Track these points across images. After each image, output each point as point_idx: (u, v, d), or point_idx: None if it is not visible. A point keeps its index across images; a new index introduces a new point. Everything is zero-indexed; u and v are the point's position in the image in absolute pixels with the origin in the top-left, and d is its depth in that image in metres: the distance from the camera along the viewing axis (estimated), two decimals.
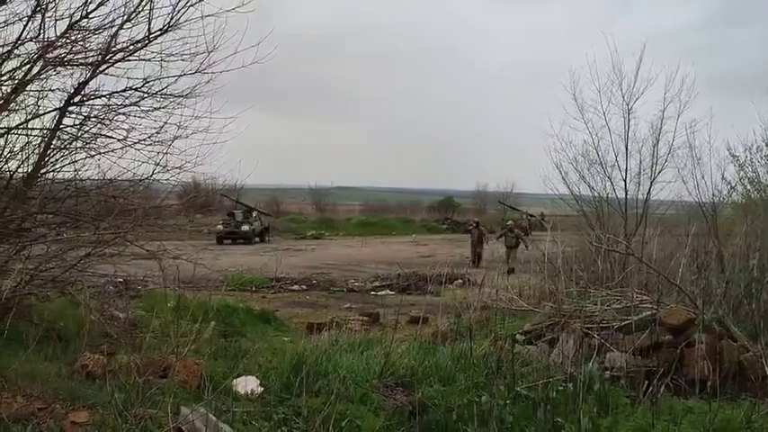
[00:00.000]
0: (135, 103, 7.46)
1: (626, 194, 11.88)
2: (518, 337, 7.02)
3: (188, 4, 7.13)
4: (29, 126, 7.14)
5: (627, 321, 6.61)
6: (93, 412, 4.40)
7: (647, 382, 5.72)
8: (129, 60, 7.36)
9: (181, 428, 3.98)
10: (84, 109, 7.45)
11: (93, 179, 7.65)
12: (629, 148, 11.85)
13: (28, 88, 7.03)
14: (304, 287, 17.02)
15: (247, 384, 5.57)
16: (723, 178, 11.32)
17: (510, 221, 26.74)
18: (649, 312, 6.67)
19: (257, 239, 34.75)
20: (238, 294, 14.08)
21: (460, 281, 14.79)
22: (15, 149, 7.14)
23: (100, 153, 7.53)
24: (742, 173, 12.41)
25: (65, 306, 7.66)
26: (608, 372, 5.98)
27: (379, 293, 16.14)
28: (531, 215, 40.38)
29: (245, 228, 34.38)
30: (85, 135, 7.50)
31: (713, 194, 10.95)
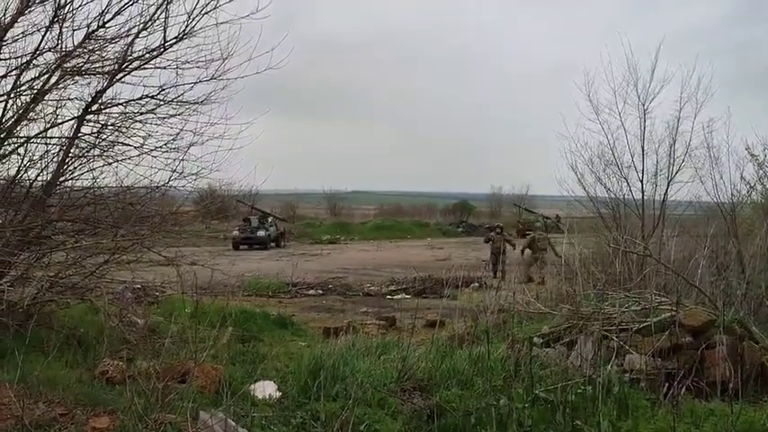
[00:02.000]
0: (151, 111, 7.55)
1: (643, 195, 11.78)
2: (536, 339, 6.98)
3: (203, 12, 7.21)
4: (48, 135, 7.26)
5: (646, 323, 6.55)
6: (114, 417, 4.44)
7: (667, 384, 5.66)
8: (145, 68, 7.46)
9: None
10: (101, 117, 7.56)
11: (111, 186, 7.75)
12: (645, 148, 11.76)
13: (46, 98, 7.14)
14: (320, 292, 17.04)
15: (265, 389, 5.60)
16: (742, 178, 11.20)
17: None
18: (668, 314, 6.61)
19: (273, 245, 34.86)
20: (255, 299, 14.13)
21: (477, 284, 14.74)
22: (35, 158, 7.27)
23: (117, 161, 7.63)
24: (761, 172, 12.27)
25: (85, 312, 7.75)
26: (627, 374, 5.93)
27: (395, 297, 16.13)
28: (546, 217, 40.20)
29: (261, 233, 34.50)
30: (103, 143, 7.60)
31: (732, 194, 10.84)
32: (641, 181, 11.80)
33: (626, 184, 11.96)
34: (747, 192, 11.76)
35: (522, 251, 20.60)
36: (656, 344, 6.28)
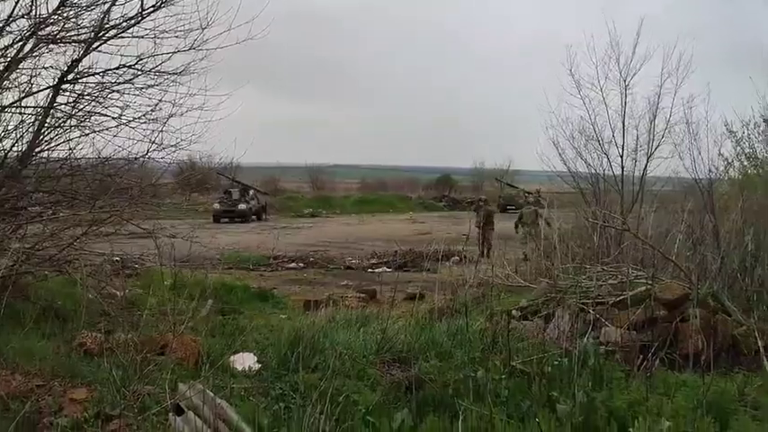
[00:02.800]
0: (129, 81, 7.43)
1: (622, 170, 11.86)
2: (514, 312, 7.06)
3: None
4: (22, 104, 7.12)
5: (622, 297, 6.64)
6: (92, 389, 4.43)
7: (641, 356, 5.76)
8: (122, 37, 7.32)
9: (179, 405, 4.01)
10: (77, 87, 7.43)
11: (89, 158, 7.63)
12: (625, 124, 11.81)
13: (21, 66, 6.99)
14: (301, 265, 17.04)
15: (245, 361, 5.61)
16: (720, 154, 11.31)
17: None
18: (644, 288, 6.70)
19: (254, 218, 34.70)
20: (235, 273, 14.11)
21: (457, 258, 14.83)
22: (9, 128, 7.13)
23: (94, 131, 7.51)
24: (739, 149, 12.40)
25: (62, 285, 7.69)
26: (603, 347, 6.02)
27: (376, 271, 16.18)
28: (528, 192, 40.39)
29: (242, 206, 34.32)
30: (79, 113, 7.47)
31: (710, 170, 10.95)
32: (621, 156, 11.88)
33: (606, 159, 12.03)
34: (725, 168, 11.90)
35: (516, 228, 19.03)
36: (631, 317, 6.37)
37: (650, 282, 6.68)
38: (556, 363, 5.25)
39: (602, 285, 7.06)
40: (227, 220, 33.18)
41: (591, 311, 6.64)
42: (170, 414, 3.99)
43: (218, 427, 3.82)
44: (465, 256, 13.84)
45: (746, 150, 12.69)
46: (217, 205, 33.95)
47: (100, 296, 7.08)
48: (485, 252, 17.90)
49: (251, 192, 36.85)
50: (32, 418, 3.93)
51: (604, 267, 7.51)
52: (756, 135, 12.48)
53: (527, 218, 18.44)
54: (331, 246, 21.71)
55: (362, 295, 10.73)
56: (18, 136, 7.16)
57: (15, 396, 4.22)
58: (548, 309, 7.20)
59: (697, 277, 6.81)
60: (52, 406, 4.19)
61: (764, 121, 12.44)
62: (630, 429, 3.91)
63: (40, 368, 4.79)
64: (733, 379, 5.34)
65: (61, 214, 7.28)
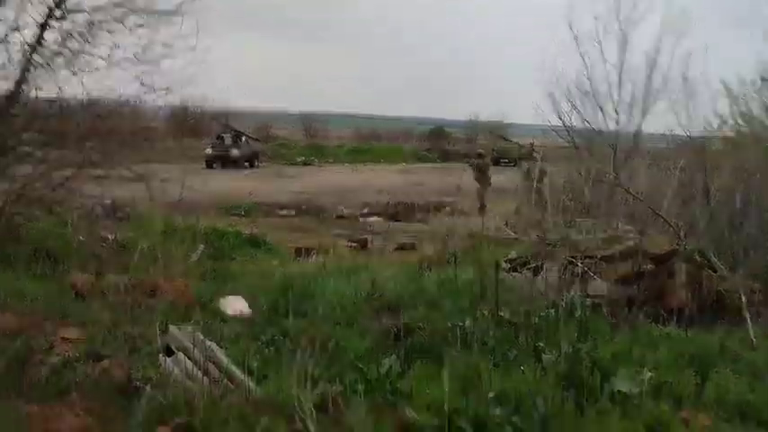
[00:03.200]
0: (119, 20, 7.24)
1: (617, 125, 11.81)
2: (503, 264, 7.10)
3: None
4: (8, 40, 6.95)
5: (611, 251, 6.69)
6: (83, 329, 4.46)
7: (627, 309, 5.84)
8: None
9: (169, 346, 4.05)
10: (65, 24, 7.24)
11: (78, 98, 7.50)
12: (622, 79, 11.69)
13: (6, 1, 6.81)
14: (293, 212, 17.05)
15: (235, 305, 5.65)
16: (715, 112, 11.25)
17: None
18: (633, 242, 6.75)
19: (246, 164, 34.53)
20: (228, 219, 14.11)
21: (449, 209, 14.86)
22: None
23: (83, 71, 7.36)
24: (734, 107, 12.33)
25: (54, 226, 7.67)
26: (590, 299, 6.09)
27: (368, 220, 16.22)
28: (521, 145, 40.20)
29: (235, 152, 34.10)
30: (68, 51, 7.30)
31: (704, 128, 10.91)
32: (616, 111, 11.79)
33: (601, 113, 11.95)
34: (719, 125, 11.85)
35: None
36: (619, 271, 6.43)
37: (639, 236, 6.72)
38: (543, 314, 5.32)
39: (591, 239, 7.10)
40: (219, 165, 32.98)
41: (579, 264, 6.69)
42: (160, 355, 4.04)
43: (208, 369, 3.87)
44: (456, 208, 13.87)
45: (741, 108, 12.64)
46: (209, 150, 33.70)
47: (91, 238, 7.08)
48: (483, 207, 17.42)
49: (243, 138, 36.56)
50: (23, 356, 3.96)
51: (594, 221, 7.54)
52: (752, 93, 12.41)
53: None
54: (323, 194, 21.68)
55: (354, 244, 10.78)
56: (5, 74, 7.02)
57: (6, 335, 4.25)
58: (537, 261, 7.24)
59: (685, 233, 6.85)
60: (43, 345, 4.22)
61: (762, 79, 12.36)
62: (613, 378, 4.00)
63: (32, 308, 4.81)
64: (716, 333, 5.43)
65: (51, 155, 7.18)
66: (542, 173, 16.74)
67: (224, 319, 5.34)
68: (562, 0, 12.10)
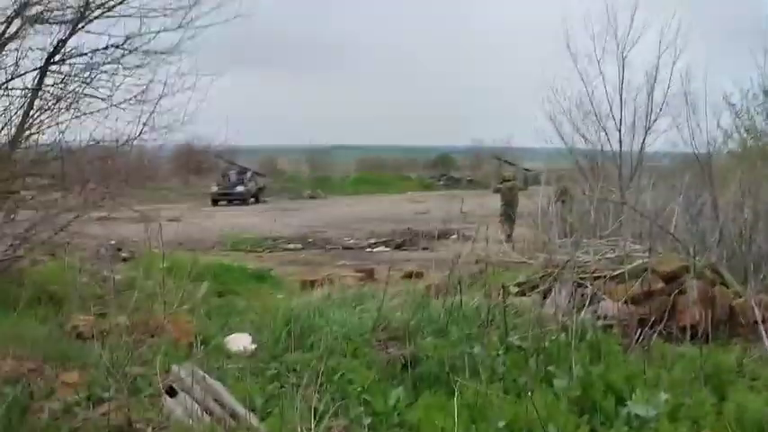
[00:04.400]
0: (117, 61, 7.34)
1: (620, 144, 11.80)
2: (511, 288, 7.00)
3: None
4: (9, 87, 7.03)
5: (620, 270, 6.59)
6: (84, 372, 4.39)
7: (639, 329, 5.72)
8: (109, 17, 7.22)
9: (171, 386, 3.97)
10: (65, 68, 7.34)
11: (80, 140, 7.55)
12: (623, 97, 11.72)
13: (7, 48, 6.90)
14: (299, 246, 17.01)
15: (240, 342, 5.57)
16: (719, 126, 11.24)
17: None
18: (642, 261, 6.65)
19: (252, 200, 34.63)
20: (233, 254, 14.07)
21: (455, 236, 14.76)
22: None
23: (84, 113, 7.43)
24: (738, 121, 12.31)
25: (58, 269, 7.64)
26: (600, 320, 5.98)
27: (374, 250, 16.15)
28: (527, 169, 40.17)
29: (240, 188, 34.23)
30: (68, 95, 7.38)
31: (708, 142, 10.88)
32: (619, 131, 11.82)
33: (604, 133, 11.96)
34: (724, 140, 11.83)
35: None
36: (629, 290, 6.32)
37: (648, 255, 6.63)
38: (553, 338, 5.21)
39: (599, 259, 7.01)
40: (225, 202, 33.09)
41: (588, 285, 6.59)
42: (163, 396, 3.96)
43: (211, 408, 3.79)
44: (463, 234, 13.79)
45: (746, 122, 12.62)
46: (214, 188, 33.86)
47: (94, 280, 7.05)
48: (510, 233, 15.59)
49: (248, 173, 36.73)
50: (24, 402, 3.89)
51: (602, 241, 7.46)
52: (755, 107, 12.40)
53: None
54: (329, 226, 21.65)
55: (360, 274, 10.70)
56: (7, 119, 7.09)
57: (7, 380, 4.18)
58: (545, 284, 7.15)
59: (695, 249, 6.75)
60: (44, 389, 4.15)
61: (764, 92, 12.35)
62: (628, 402, 3.88)
63: (33, 352, 4.74)
64: (731, 350, 5.30)
65: (53, 198, 7.21)
66: (563, 194, 15.25)
67: (228, 355, 5.26)
68: (559, 17, 12.20)
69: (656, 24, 11.59)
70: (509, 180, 18.08)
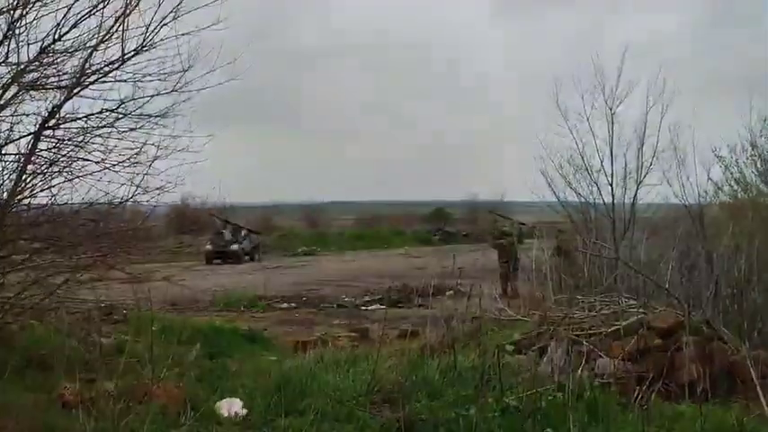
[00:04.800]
0: (111, 125, 7.38)
1: (613, 199, 11.89)
2: (507, 347, 6.93)
3: (161, 24, 7.07)
4: (3, 152, 7.05)
5: (615, 327, 6.54)
6: None
7: (637, 387, 5.63)
8: (103, 82, 7.29)
9: None
10: (59, 132, 7.36)
11: (72, 203, 7.54)
12: (614, 152, 11.88)
13: (1, 114, 6.95)
14: (293, 305, 16.86)
15: (231, 407, 5.45)
16: (709, 179, 11.38)
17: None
18: (638, 317, 6.60)
19: (247, 258, 34.50)
20: (226, 314, 13.93)
21: (451, 291, 14.66)
22: None
23: (77, 177, 7.43)
24: (728, 173, 12.47)
25: (48, 333, 7.53)
26: (598, 379, 5.90)
27: (369, 308, 16.01)
28: (522, 223, 40.27)
29: (235, 247, 34.13)
30: (62, 159, 7.40)
31: (699, 195, 11.00)
32: (611, 185, 11.92)
33: (596, 187, 12.07)
34: (714, 192, 11.95)
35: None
36: (626, 347, 6.26)
37: (643, 310, 6.59)
38: (550, 398, 5.13)
39: (594, 316, 6.96)
40: (219, 261, 32.95)
41: (585, 343, 6.52)
42: None
43: None
44: (459, 290, 13.71)
45: (735, 175, 12.78)
46: (209, 246, 33.77)
47: (84, 344, 6.94)
48: (508, 289, 16.02)
49: (243, 232, 36.70)
50: None
51: (596, 297, 7.42)
52: (744, 160, 12.59)
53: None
54: (325, 284, 21.53)
55: (354, 334, 10.58)
56: None
57: None
58: (541, 342, 7.07)
59: (690, 304, 6.71)
60: None
61: (752, 145, 12.55)
62: None
63: (18, 424, 4.63)
64: (731, 408, 5.21)
65: (43, 262, 7.15)
66: (559, 248, 15.16)
67: (219, 421, 5.14)
68: (551, 77, 12.49)
69: (644, 81, 11.83)
70: (509, 234, 18.50)
